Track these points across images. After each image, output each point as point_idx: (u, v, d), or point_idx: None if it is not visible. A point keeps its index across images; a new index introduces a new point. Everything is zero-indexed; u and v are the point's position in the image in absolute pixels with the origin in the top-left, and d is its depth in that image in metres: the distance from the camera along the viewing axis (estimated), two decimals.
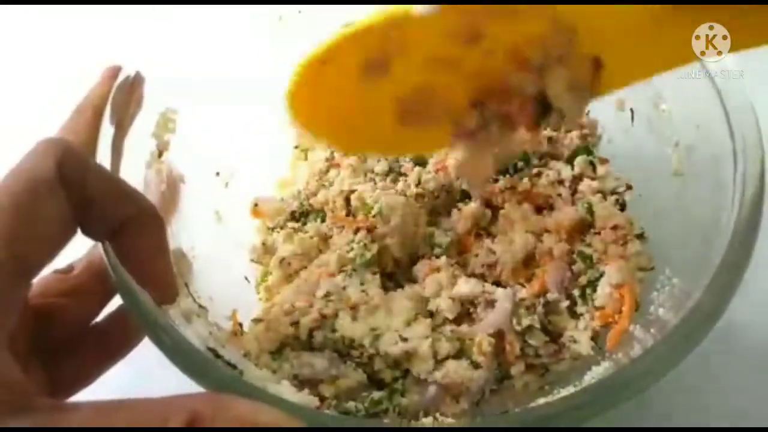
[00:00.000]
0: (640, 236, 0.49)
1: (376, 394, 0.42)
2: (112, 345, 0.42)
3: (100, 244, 0.38)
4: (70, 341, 0.41)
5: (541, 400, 0.39)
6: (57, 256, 0.36)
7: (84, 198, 0.35)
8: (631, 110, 0.53)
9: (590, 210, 0.50)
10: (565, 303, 0.48)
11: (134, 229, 0.37)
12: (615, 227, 0.49)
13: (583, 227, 0.50)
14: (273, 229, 0.55)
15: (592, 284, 0.48)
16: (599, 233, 0.49)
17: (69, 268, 0.42)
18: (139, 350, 0.41)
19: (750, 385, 0.51)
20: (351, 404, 0.42)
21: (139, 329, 0.38)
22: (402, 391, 0.44)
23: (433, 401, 0.44)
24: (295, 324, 0.46)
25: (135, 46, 0.47)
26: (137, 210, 0.38)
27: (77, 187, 0.35)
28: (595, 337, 0.46)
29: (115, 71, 0.45)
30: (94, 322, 0.42)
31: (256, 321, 0.47)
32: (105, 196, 0.36)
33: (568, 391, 0.40)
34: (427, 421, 0.42)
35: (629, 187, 0.53)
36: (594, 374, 0.41)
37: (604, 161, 0.54)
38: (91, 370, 0.41)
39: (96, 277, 0.41)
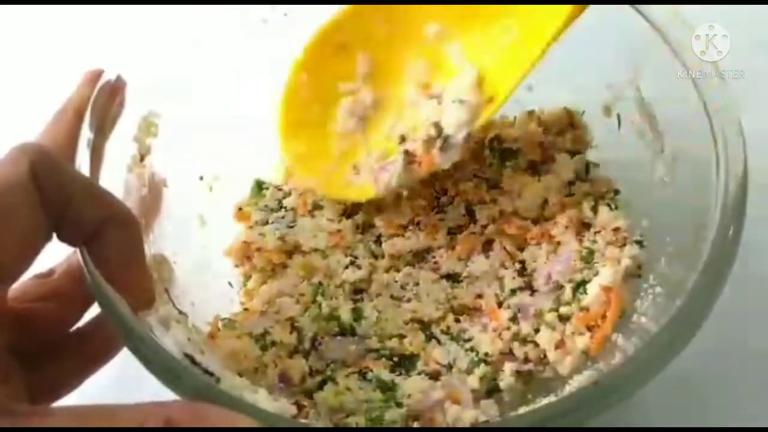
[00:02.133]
0: (639, 242, 0.48)
1: None
2: (94, 351, 0.42)
3: (77, 249, 0.38)
4: (51, 347, 0.40)
5: (522, 409, 0.39)
6: (33, 262, 0.35)
7: (59, 203, 0.35)
8: (618, 116, 0.53)
9: (594, 209, 0.51)
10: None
11: (109, 233, 0.37)
12: (616, 229, 0.49)
13: (582, 226, 0.51)
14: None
15: (584, 284, 0.48)
16: (599, 232, 0.50)
17: (49, 272, 0.42)
18: (120, 355, 0.41)
19: None
20: None
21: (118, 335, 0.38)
22: (398, 401, 0.43)
23: (434, 405, 0.43)
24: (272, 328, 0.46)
25: (116, 48, 0.47)
26: (112, 214, 0.37)
27: (51, 192, 0.34)
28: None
29: (97, 75, 0.45)
30: (75, 327, 0.42)
31: (229, 326, 0.47)
32: (80, 201, 0.36)
33: (549, 400, 0.40)
34: None
35: (617, 192, 0.53)
36: (576, 383, 0.41)
37: (594, 166, 0.54)
38: (73, 376, 0.41)
39: (76, 281, 0.40)
